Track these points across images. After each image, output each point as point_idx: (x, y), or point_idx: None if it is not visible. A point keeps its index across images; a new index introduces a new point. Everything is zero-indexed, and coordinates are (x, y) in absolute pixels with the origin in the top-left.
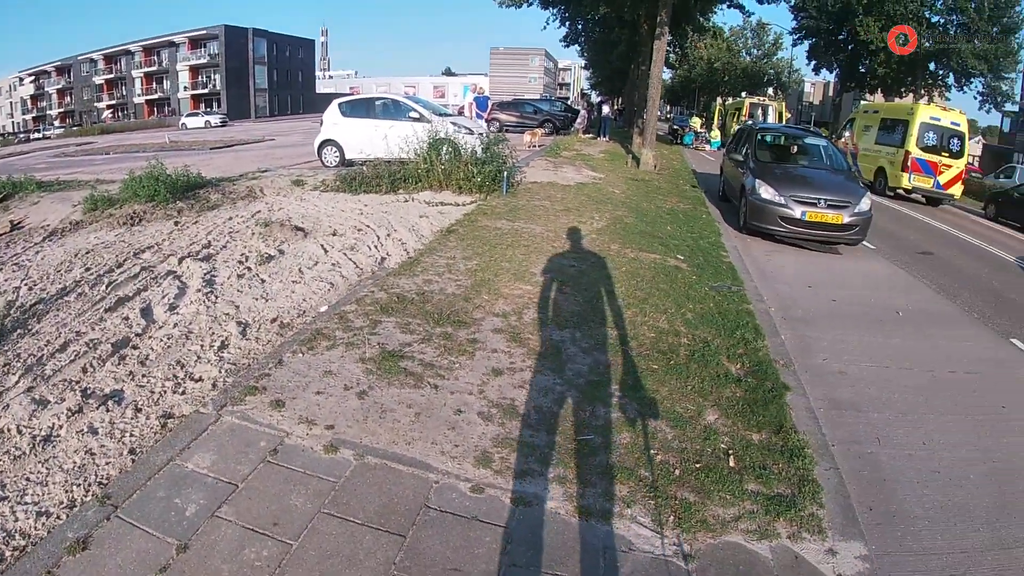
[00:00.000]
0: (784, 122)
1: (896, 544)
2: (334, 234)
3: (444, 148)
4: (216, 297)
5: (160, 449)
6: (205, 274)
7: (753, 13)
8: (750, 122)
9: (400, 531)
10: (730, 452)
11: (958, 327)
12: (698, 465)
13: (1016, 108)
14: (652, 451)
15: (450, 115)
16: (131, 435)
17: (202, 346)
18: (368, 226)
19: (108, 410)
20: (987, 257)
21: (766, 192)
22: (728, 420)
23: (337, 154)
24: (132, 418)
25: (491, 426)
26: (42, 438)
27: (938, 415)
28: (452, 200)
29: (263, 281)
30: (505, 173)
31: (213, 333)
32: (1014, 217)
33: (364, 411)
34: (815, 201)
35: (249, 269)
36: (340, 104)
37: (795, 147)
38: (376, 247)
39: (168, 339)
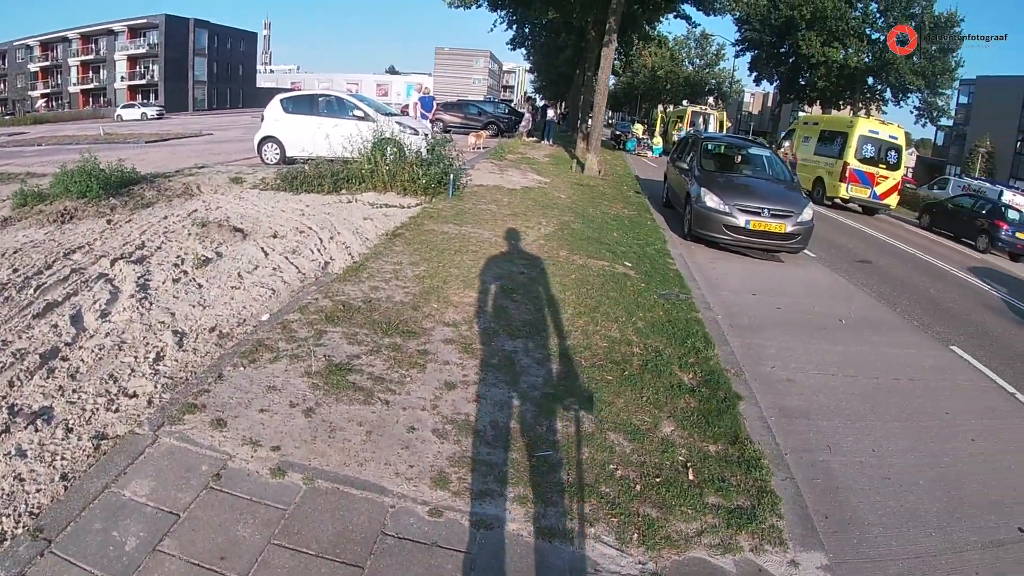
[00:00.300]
0: (725, 131)
1: (853, 552)
2: (275, 236)
3: (389, 148)
4: (151, 303)
5: (94, 475)
6: (139, 278)
7: (699, 24)
8: (692, 130)
9: (357, 562)
10: (688, 465)
11: (899, 334)
12: (658, 479)
13: (950, 123)
14: (612, 466)
15: (395, 114)
16: (62, 458)
17: (136, 358)
18: (310, 228)
19: (37, 430)
20: (923, 266)
21: (711, 200)
22: (684, 431)
23: (278, 151)
24: (63, 439)
25: (446, 444)
26: None
27: (885, 422)
28: (397, 202)
29: (200, 286)
30: (451, 176)
31: (148, 343)
32: (947, 227)
33: (312, 430)
34: (759, 210)
35: (185, 273)
36: (282, 100)
37: (739, 156)
38: (319, 251)
39: (100, 350)
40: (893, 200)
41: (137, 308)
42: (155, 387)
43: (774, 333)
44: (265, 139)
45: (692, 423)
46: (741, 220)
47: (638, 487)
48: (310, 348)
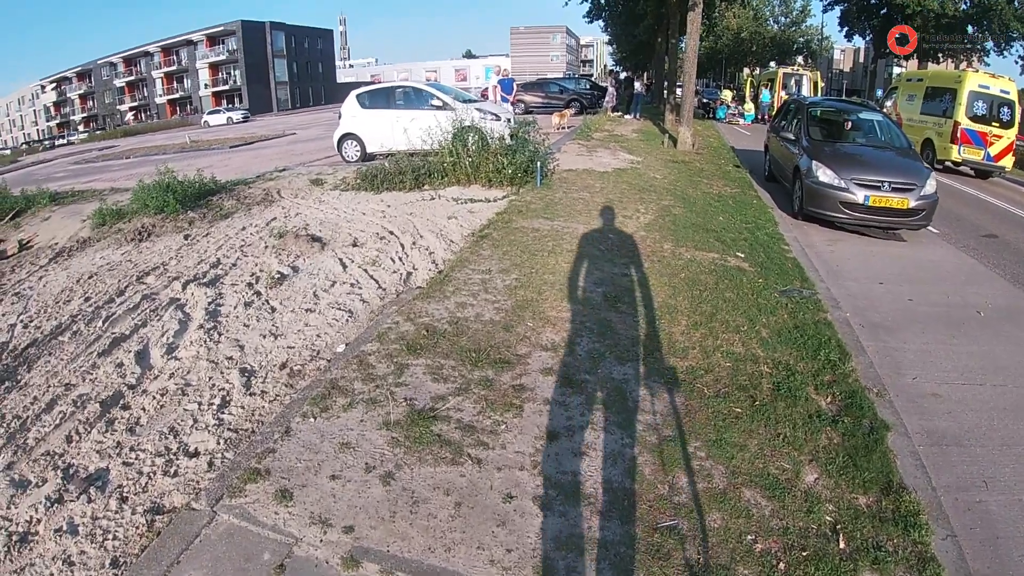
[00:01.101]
0: (819, 92)
1: None
2: (354, 244)
3: (470, 138)
4: (219, 335)
5: (146, 564)
6: (210, 303)
7: None
8: (784, 94)
9: None
10: (839, 528)
11: None
12: (805, 552)
13: None
14: (749, 537)
15: (474, 100)
16: (114, 537)
17: (200, 404)
18: (391, 232)
19: (91, 500)
20: None
21: (824, 175)
22: (830, 480)
23: (358, 148)
24: (116, 512)
25: (551, 517)
26: (18, 538)
27: None
28: (482, 195)
29: (273, 310)
30: (538, 163)
31: (214, 385)
32: None
33: (391, 503)
34: (879, 184)
35: (259, 295)
36: (358, 95)
37: (850, 123)
38: (400, 259)
39: (163, 395)
40: (1008, 161)
41: (204, 341)
42: (218, 442)
43: (910, 332)
44: (344, 136)
45: (837, 467)
46: (859, 196)
47: (781, 565)
48: (389, 390)
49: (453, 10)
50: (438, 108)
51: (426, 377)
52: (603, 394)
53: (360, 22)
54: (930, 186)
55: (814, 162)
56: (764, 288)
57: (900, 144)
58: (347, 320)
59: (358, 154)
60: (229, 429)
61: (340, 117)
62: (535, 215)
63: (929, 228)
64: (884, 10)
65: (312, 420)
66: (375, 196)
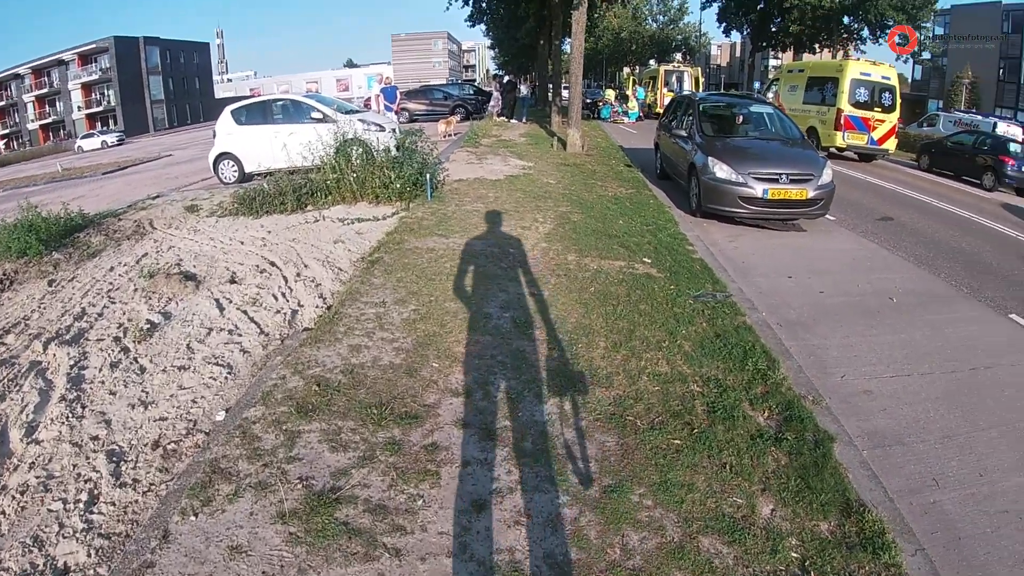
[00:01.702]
0: (700, 87)
1: None
2: (232, 281)
3: (354, 151)
4: (83, 407)
5: None
6: (73, 365)
7: None
8: (666, 90)
9: None
10: (807, 565)
11: (954, 308)
12: None
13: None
14: None
15: (357, 111)
16: None
17: (65, 502)
18: (273, 264)
19: None
20: (944, 216)
21: (721, 171)
22: (787, 509)
23: (235, 168)
24: None
25: None
26: None
27: (981, 431)
28: (370, 214)
29: (143, 370)
30: (427, 175)
31: (79, 475)
32: (948, 167)
33: None
34: (776, 177)
35: (126, 351)
36: (233, 111)
37: (742, 117)
38: (284, 295)
39: (23, 491)
40: (891, 144)
41: (67, 418)
42: (88, 554)
43: (828, 326)
44: (220, 156)
45: (792, 492)
46: (758, 190)
47: None
48: (280, 468)
49: (333, 20)
50: (319, 121)
51: (322, 446)
52: (528, 443)
53: (238, 34)
54: (827, 175)
55: (710, 158)
56: (677, 295)
57: (793, 135)
58: (226, 377)
59: (236, 175)
60: (100, 535)
61: (215, 136)
62: (428, 233)
63: (827, 216)
64: (761, 4)
65: (193, 518)
66: (254, 221)
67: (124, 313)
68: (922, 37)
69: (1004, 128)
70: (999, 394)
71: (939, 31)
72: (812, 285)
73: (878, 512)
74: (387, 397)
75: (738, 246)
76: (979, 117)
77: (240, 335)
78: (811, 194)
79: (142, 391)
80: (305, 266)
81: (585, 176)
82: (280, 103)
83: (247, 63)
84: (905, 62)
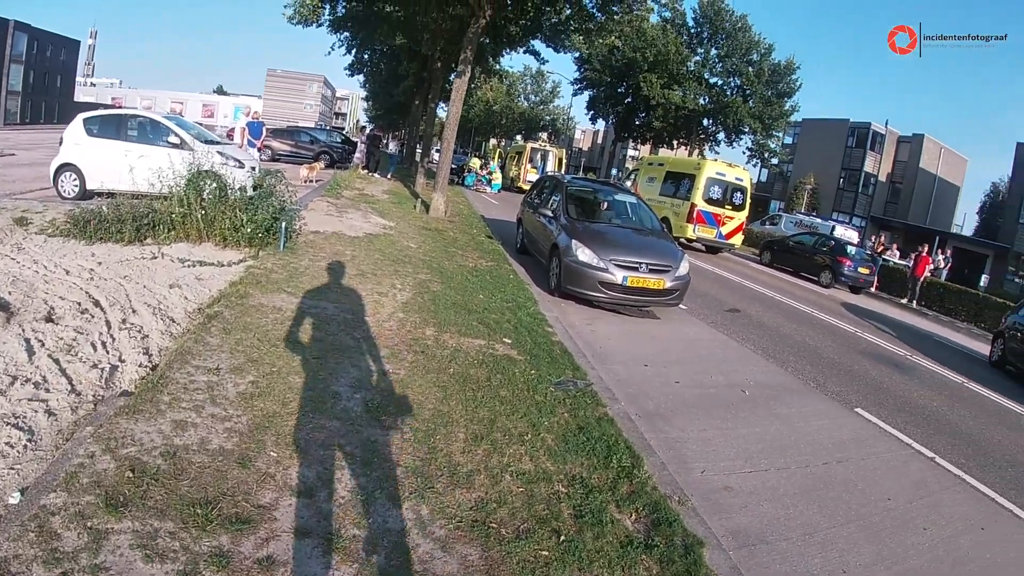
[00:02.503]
0: (563, 168)
1: None
2: (48, 318)
3: (208, 185)
4: None
5: None
6: None
7: (547, 60)
8: (531, 166)
9: None
10: None
11: (804, 401)
12: None
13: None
14: None
15: (218, 142)
16: None
17: None
18: (98, 304)
19: None
20: (788, 310)
21: (584, 254)
22: None
23: (76, 183)
24: None
25: None
26: None
27: (840, 526)
28: (214, 258)
29: None
30: (282, 223)
31: None
32: (789, 263)
33: None
34: (637, 265)
35: None
36: (86, 120)
37: (606, 204)
38: (105, 345)
39: None
40: (738, 239)
41: None
42: None
43: (686, 418)
44: (63, 167)
45: None
46: (618, 276)
47: None
48: None
49: (211, 38)
50: (175, 146)
51: (135, 554)
52: (381, 558)
53: (112, 38)
54: (683, 267)
55: (574, 241)
56: (538, 381)
57: (654, 226)
58: (25, 446)
59: (76, 190)
60: None
61: (62, 143)
62: (277, 288)
63: (680, 305)
64: (629, 99)
65: None
66: (86, 248)
67: None
68: (773, 146)
69: (842, 231)
70: (853, 488)
71: (788, 141)
72: (668, 374)
73: None
74: (215, 493)
75: (595, 330)
76: (819, 220)
77: (48, 390)
78: (668, 284)
79: None
80: (133, 311)
81: (447, 243)
82: (138, 120)
83: (115, 70)
84: (755, 166)
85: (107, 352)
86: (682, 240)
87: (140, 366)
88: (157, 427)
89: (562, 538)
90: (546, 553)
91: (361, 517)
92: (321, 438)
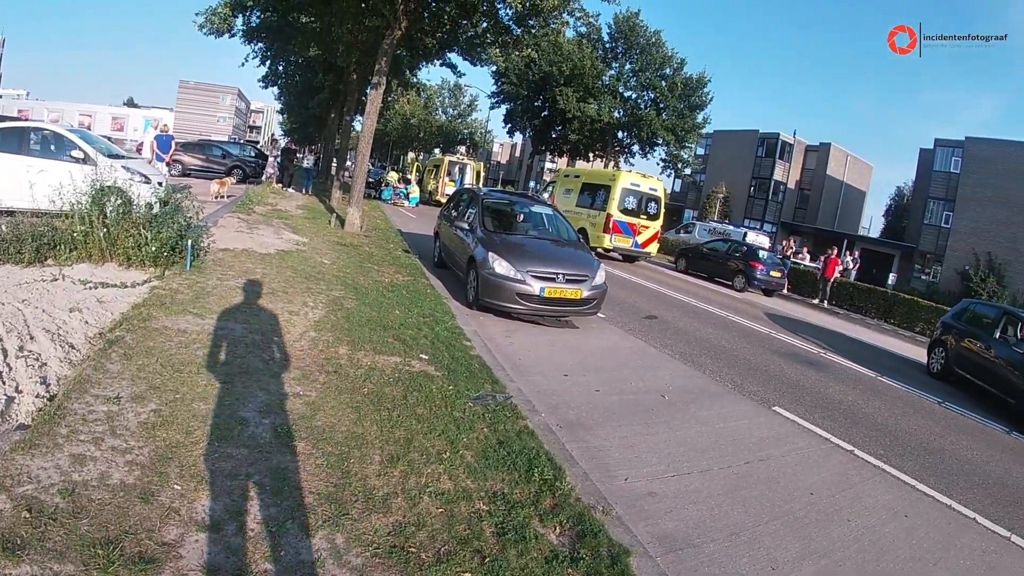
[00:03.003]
0: (481, 181)
1: None
2: None
3: (111, 202)
4: None
5: None
6: None
7: (464, 73)
8: (449, 179)
9: None
10: None
11: (723, 403)
12: None
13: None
14: None
15: (124, 156)
16: None
17: None
18: None
19: None
20: (703, 315)
21: (501, 267)
22: None
23: None
24: None
25: None
26: None
27: (765, 524)
28: (118, 279)
29: None
30: (188, 241)
31: None
32: (703, 269)
33: None
34: (553, 276)
35: None
36: None
37: (523, 216)
38: (1, 375)
39: None
40: (653, 248)
41: None
42: None
43: (607, 426)
44: None
45: None
46: (535, 288)
47: None
48: None
49: (121, 51)
50: (79, 161)
51: None
52: None
53: (20, 47)
54: (600, 277)
55: (490, 253)
56: (456, 397)
57: (571, 237)
58: None
59: None
60: None
61: None
62: (182, 310)
63: (598, 314)
64: (546, 113)
65: None
66: None
67: None
68: (686, 157)
69: (754, 237)
70: (776, 485)
71: (700, 151)
72: (588, 383)
73: None
74: (117, 531)
75: (514, 342)
76: (731, 227)
77: None
78: (585, 294)
79: None
80: (31, 338)
81: (362, 258)
82: (41, 133)
83: (22, 80)
84: (669, 176)
85: (3, 383)
86: (599, 250)
87: (37, 396)
88: (55, 462)
89: (485, 558)
90: (469, 575)
91: (272, 550)
92: (228, 468)
